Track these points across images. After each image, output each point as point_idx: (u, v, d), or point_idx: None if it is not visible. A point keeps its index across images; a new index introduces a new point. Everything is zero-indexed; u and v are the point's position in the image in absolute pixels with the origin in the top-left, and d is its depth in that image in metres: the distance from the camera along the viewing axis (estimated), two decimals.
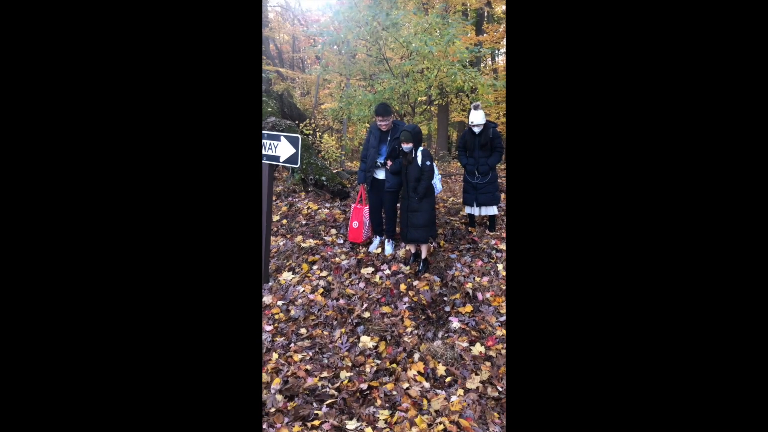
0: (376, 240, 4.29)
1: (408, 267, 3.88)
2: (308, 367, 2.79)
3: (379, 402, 2.49)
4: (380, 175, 4.08)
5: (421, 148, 3.63)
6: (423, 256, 3.83)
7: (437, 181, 3.83)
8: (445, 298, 3.52)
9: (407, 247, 3.95)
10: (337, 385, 2.65)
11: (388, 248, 4.11)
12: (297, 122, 6.48)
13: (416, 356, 2.90)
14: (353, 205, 4.18)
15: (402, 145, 3.60)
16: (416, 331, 3.18)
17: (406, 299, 3.54)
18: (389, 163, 3.84)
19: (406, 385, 2.63)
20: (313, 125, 7.38)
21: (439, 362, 2.83)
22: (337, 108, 6.18)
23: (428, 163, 3.58)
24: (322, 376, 2.71)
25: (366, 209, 4.08)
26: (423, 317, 3.34)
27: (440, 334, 3.14)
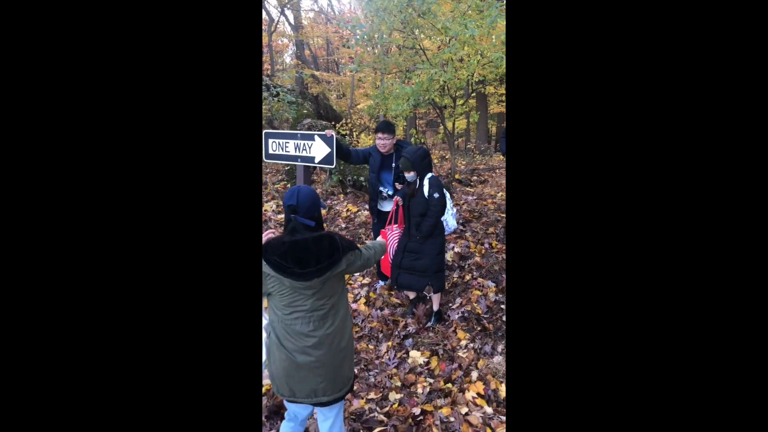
0: (379, 284, 3.55)
1: (411, 318, 3.12)
2: (354, 386, 2.52)
3: (435, 430, 2.18)
4: (387, 207, 3.32)
5: (429, 175, 2.81)
6: (435, 308, 3.07)
7: (449, 217, 2.91)
8: (503, 306, 3.14)
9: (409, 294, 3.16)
10: (386, 409, 2.36)
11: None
12: (333, 123, 6.30)
13: (474, 374, 2.56)
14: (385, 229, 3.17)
15: (404, 173, 2.83)
16: (471, 345, 2.84)
17: (456, 307, 3.20)
18: (398, 190, 3.06)
19: (464, 409, 2.29)
20: (350, 125, 7.18)
21: (501, 382, 2.47)
22: (373, 105, 5.92)
23: (436, 195, 2.76)
24: (369, 397, 2.44)
25: (396, 234, 3.13)
26: (478, 328, 2.98)
27: (500, 348, 2.77)
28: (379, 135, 3.17)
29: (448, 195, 2.91)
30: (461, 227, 4.39)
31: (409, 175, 2.79)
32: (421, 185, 2.81)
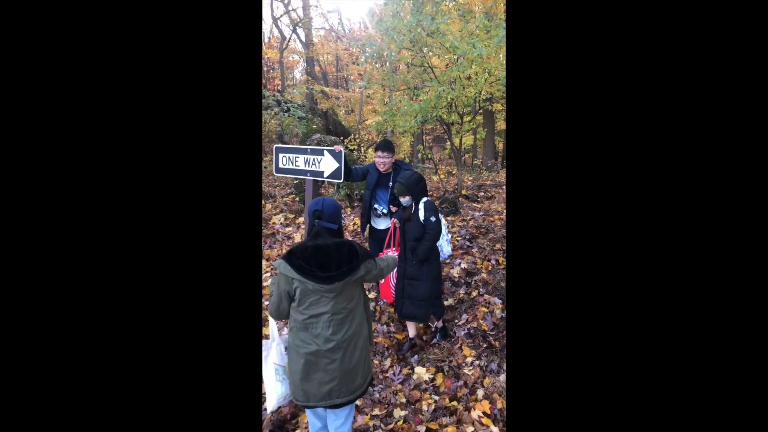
0: (383, 300, 3.36)
1: (406, 351, 2.98)
2: (358, 401, 2.51)
3: None
4: (381, 224, 3.30)
5: (425, 200, 2.77)
6: (440, 324, 2.97)
7: (444, 242, 2.90)
8: None
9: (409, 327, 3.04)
10: (391, 426, 2.34)
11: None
12: (342, 138, 6.38)
13: (480, 393, 2.53)
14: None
15: (400, 198, 2.81)
16: (477, 362, 2.81)
17: (462, 324, 3.18)
18: (394, 210, 3.02)
19: (470, 429, 2.26)
20: (358, 140, 7.27)
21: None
22: (381, 121, 6.01)
23: (432, 219, 2.72)
24: (374, 413, 2.41)
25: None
26: (484, 345, 2.96)
27: (506, 366, 2.74)
28: (379, 153, 3.18)
29: (443, 220, 2.89)
30: (468, 243, 4.39)
31: (405, 200, 2.79)
32: (417, 209, 2.78)
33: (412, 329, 2.98)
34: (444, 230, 2.89)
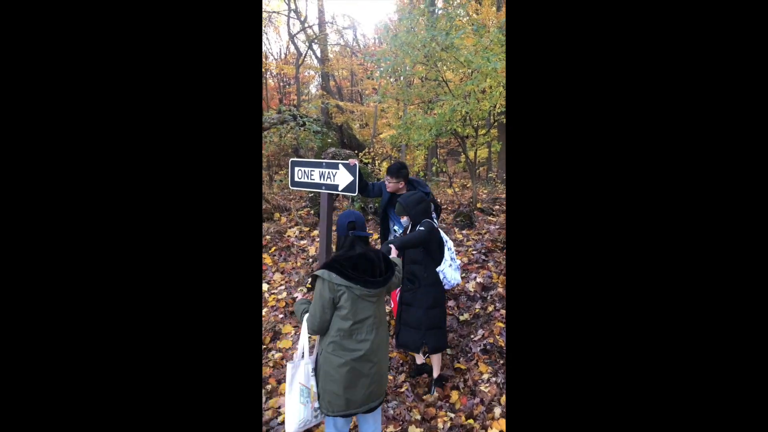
0: None
1: (412, 379, 2.80)
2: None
3: None
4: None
5: (426, 221, 2.56)
6: (434, 373, 2.68)
7: (448, 269, 2.59)
8: None
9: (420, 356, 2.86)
10: None
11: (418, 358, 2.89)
12: (356, 152, 6.44)
13: (497, 411, 2.47)
14: None
15: (400, 218, 2.67)
16: (494, 379, 2.75)
17: (478, 339, 3.12)
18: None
19: None
20: (372, 154, 7.32)
21: None
22: (396, 135, 6.04)
23: (422, 228, 2.51)
24: (388, 431, 2.37)
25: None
26: (501, 362, 2.89)
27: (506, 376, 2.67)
28: (387, 177, 3.08)
29: (449, 243, 2.67)
30: (483, 257, 4.33)
31: (403, 220, 2.65)
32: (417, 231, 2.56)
33: (435, 367, 2.70)
34: (449, 255, 2.62)
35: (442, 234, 2.69)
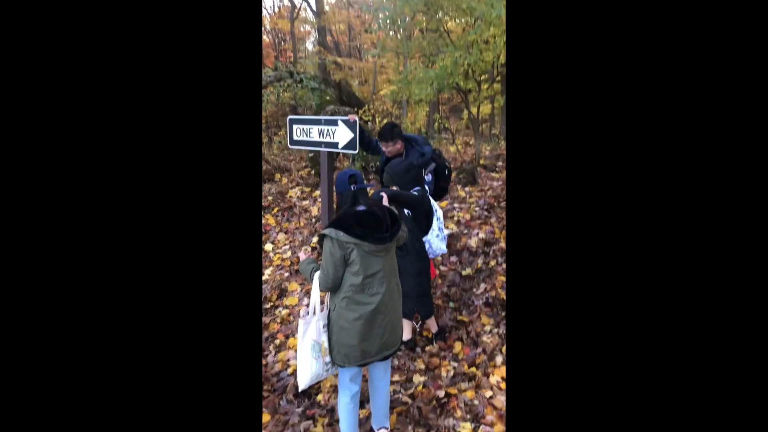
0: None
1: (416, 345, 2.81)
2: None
3: (459, 413, 2.20)
4: None
5: (417, 189, 2.50)
6: (434, 329, 2.81)
7: (435, 239, 2.57)
8: None
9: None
10: (411, 391, 2.39)
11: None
12: (356, 109, 6.27)
13: (498, 359, 2.56)
14: None
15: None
16: (496, 330, 2.83)
17: (480, 293, 3.18)
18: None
19: (488, 393, 2.30)
20: (372, 111, 7.14)
21: None
22: (396, 90, 5.86)
23: (415, 192, 2.48)
24: (394, 379, 2.47)
25: None
26: (503, 314, 2.96)
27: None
28: (382, 143, 2.91)
29: (440, 215, 2.63)
30: (486, 213, 4.34)
31: (393, 189, 2.52)
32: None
33: (433, 325, 2.80)
34: (437, 225, 2.59)
35: (434, 204, 2.62)
